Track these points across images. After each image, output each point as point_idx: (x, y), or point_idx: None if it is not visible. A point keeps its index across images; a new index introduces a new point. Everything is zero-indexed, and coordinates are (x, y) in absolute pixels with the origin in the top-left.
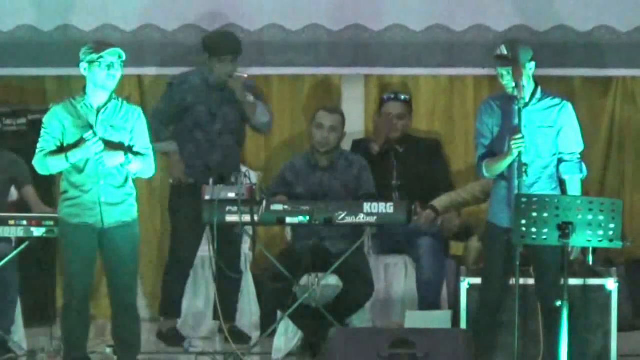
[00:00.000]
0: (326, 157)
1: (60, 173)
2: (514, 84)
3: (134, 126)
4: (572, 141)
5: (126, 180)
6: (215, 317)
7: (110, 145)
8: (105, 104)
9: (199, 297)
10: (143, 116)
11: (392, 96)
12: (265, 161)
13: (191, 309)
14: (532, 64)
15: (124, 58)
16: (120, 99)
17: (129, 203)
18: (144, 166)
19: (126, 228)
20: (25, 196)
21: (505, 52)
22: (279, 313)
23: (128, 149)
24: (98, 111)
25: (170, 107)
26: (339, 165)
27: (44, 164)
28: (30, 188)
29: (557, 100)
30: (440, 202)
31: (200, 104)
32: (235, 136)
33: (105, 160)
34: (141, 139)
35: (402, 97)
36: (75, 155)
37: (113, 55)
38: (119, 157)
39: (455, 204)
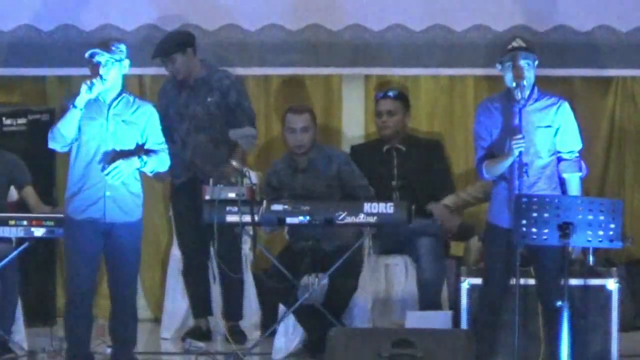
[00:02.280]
0: (304, 157)
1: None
2: (523, 81)
3: (147, 123)
4: (571, 140)
5: (133, 178)
6: (223, 316)
7: (124, 154)
8: (116, 98)
9: None
10: (156, 112)
11: (382, 94)
12: (265, 162)
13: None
14: (537, 62)
15: (98, 57)
16: (131, 96)
17: (134, 202)
18: (159, 162)
19: (129, 228)
20: (25, 197)
21: (523, 44)
22: (279, 313)
23: (142, 151)
24: (110, 106)
25: (160, 111)
26: (319, 164)
27: (54, 129)
28: (30, 189)
29: (554, 99)
30: (449, 200)
31: (171, 105)
32: (207, 134)
33: (124, 171)
34: (154, 135)
35: (391, 93)
36: (79, 100)
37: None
38: (134, 163)
39: (460, 203)
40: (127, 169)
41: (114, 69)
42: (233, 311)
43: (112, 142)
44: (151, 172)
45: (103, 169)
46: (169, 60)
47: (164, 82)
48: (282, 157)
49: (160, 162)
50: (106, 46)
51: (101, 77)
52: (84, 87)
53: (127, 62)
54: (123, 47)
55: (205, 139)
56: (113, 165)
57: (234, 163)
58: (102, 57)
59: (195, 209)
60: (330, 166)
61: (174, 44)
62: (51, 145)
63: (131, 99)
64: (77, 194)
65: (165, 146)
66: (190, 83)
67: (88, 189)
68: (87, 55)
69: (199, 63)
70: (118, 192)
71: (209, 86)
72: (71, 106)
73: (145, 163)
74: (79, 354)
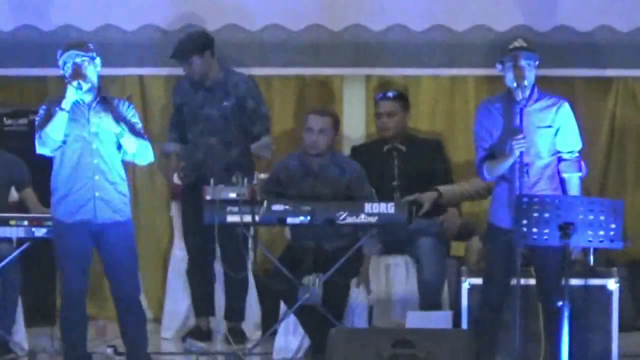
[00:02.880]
0: (318, 160)
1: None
2: (524, 81)
3: (126, 115)
4: (571, 139)
5: (120, 178)
6: (226, 316)
7: (117, 115)
8: (95, 98)
9: None
10: (133, 108)
11: (381, 95)
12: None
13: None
14: (537, 62)
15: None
16: (107, 94)
17: (122, 201)
18: (141, 148)
19: (121, 227)
20: (24, 198)
21: (524, 44)
22: (280, 313)
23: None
24: (89, 106)
25: (173, 109)
26: (331, 171)
27: (43, 134)
28: (30, 191)
29: (554, 99)
30: (444, 188)
31: (186, 105)
32: (219, 137)
33: (104, 124)
34: (136, 123)
35: (390, 94)
36: (67, 103)
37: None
38: (115, 127)
39: (458, 194)
40: (107, 124)
41: (92, 68)
42: (235, 312)
43: (96, 143)
44: (132, 157)
45: (79, 85)
46: (186, 62)
47: (181, 80)
48: (297, 154)
49: (143, 149)
50: (83, 47)
51: (85, 78)
52: (71, 89)
53: (99, 60)
54: (92, 45)
55: (217, 142)
56: (104, 113)
57: (262, 176)
58: (81, 58)
59: (202, 209)
60: (343, 176)
61: (192, 46)
62: (40, 150)
63: (108, 97)
64: (66, 196)
65: (146, 137)
66: (207, 85)
67: (77, 191)
68: (64, 57)
69: (217, 65)
70: (107, 192)
71: (226, 90)
72: (58, 109)
73: (123, 133)
74: (76, 354)
